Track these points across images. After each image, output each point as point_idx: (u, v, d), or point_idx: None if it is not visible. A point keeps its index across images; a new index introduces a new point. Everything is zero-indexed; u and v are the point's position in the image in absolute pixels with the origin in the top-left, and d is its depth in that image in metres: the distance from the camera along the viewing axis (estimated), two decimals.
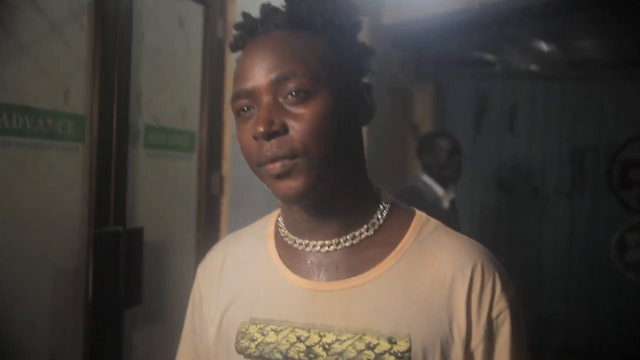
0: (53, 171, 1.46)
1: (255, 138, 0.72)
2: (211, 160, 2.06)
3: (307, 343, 0.75)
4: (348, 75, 0.77)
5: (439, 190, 2.75)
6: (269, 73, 0.72)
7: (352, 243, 0.78)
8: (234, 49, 0.80)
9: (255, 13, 0.79)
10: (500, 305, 0.76)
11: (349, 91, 0.77)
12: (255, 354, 0.77)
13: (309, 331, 0.76)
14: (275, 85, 0.72)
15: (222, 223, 2.09)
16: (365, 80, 0.82)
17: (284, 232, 0.83)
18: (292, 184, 0.72)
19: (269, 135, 0.71)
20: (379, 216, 0.80)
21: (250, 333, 0.78)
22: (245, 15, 0.80)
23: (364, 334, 0.73)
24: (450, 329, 0.74)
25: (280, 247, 0.83)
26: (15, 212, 1.35)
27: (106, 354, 1.59)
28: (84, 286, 1.54)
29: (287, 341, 0.76)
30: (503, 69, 4.38)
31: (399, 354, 0.72)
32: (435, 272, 0.76)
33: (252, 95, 0.73)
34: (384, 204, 0.81)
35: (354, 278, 0.77)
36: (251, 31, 0.78)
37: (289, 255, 0.81)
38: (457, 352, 0.74)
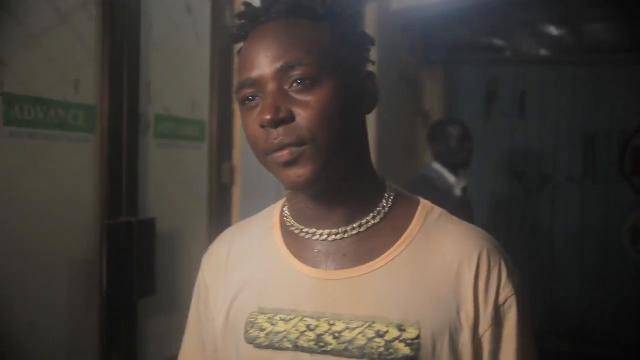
0: (64, 162, 1.46)
1: (262, 126, 0.72)
2: (222, 149, 2.05)
3: (317, 331, 0.75)
4: (351, 63, 0.78)
5: (450, 177, 2.74)
6: (274, 61, 0.72)
7: (359, 231, 0.79)
8: (236, 39, 0.81)
9: (258, 2, 0.79)
10: (507, 291, 0.77)
11: (353, 79, 0.77)
12: (264, 344, 0.77)
13: (318, 320, 0.76)
14: (281, 74, 0.72)
15: (233, 212, 2.09)
16: (368, 68, 0.82)
17: (289, 222, 0.83)
18: (300, 172, 0.72)
19: (276, 123, 0.71)
20: (384, 204, 0.80)
21: (259, 323, 0.79)
22: (247, 4, 0.80)
23: (373, 322, 0.74)
24: (458, 316, 0.75)
25: (286, 237, 0.83)
26: (27, 204, 1.35)
27: (120, 344, 1.60)
28: (97, 277, 1.54)
29: (296, 330, 0.76)
30: (513, 54, 4.34)
31: (408, 341, 0.73)
32: (442, 259, 0.77)
33: (257, 83, 0.74)
34: (388, 192, 0.82)
35: (362, 266, 0.77)
36: (253, 20, 0.78)
37: (295, 244, 0.82)
38: (465, 338, 0.75)
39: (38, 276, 1.39)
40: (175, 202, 1.88)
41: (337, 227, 0.79)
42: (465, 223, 0.82)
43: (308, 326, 0.76)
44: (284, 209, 0.86)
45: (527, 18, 4.08)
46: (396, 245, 0.78)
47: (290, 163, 0.72)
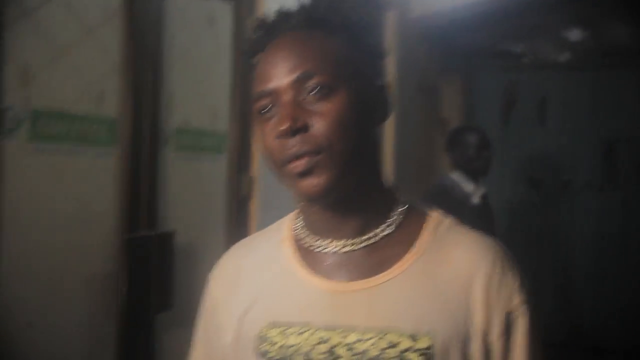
0: (86, 176, 1.47)
1: (278, 137, 0.73)
2: (240, 161, 2.05)
3: (330, 344, 0.75)
4: (366, 73, 0.78)
5: (468, 186, 2.71)
6: (290, 72, 0.73)
7: (372, 242, 0.79)
8: (253, 53, 0.81)
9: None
10: (517, 300, 0.77)
11: (367, 89, 0.78)
12: (276, 358, 0.77)
13: (331, 332, 0.76)
14: (297, 84, 0.73)
15: (251, 225, 2.08)
16: (383, 78, 0.83)
17: (301, 235, 0.83)
18: (315, 181, 0.72)
19: (294, 132, 0.72)
20: (396, 215, 0.81)
21: (270, 337, 0.78)
22: (261, 18, 0.81)
23: (387, 333, 0.74)
24: (469, 325, 0.75)
25: (297, 250, 0.83)
26: (51, 220, 1.36)
27: (137, 359, 1.60)
28: (115, 291, 1.54)
29: (308, 343, 0.76)
30: (532, 59, 4.29)
31: (421, 351, 0.73)
32: (453, 269, 0.78)
33: (273, 95, 0.74)
34: (399, 203, 0.83)
35: (375, 277, 0.77)
36: (270, 33, 0.79)
37: (306, 257, 0.81)
38: (476, 347, 0.75)
39: (57, 289, 1.40)
40: (194, 214, 1.88)
41: (351, 238, 0.79)
42: (476, 233, 0.83)
43: (321, 339, 0.76)
44: (296, 222, 0.86)
45: (546, 23, 4.04)
46: (408, 255, 0.78)
47: (305, 173, 0.72)
